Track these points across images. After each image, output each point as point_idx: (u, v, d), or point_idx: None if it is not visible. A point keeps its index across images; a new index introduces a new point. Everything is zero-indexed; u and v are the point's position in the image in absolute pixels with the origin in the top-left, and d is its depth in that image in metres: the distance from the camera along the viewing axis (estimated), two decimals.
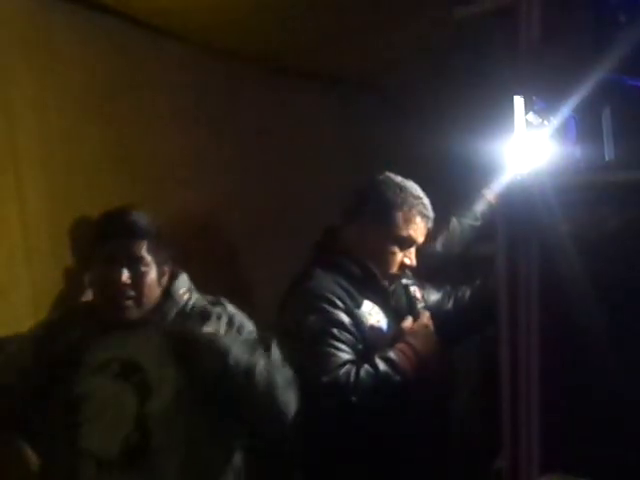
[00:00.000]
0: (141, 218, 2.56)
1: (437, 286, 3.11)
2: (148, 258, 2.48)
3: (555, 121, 2.72)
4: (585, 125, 2.81)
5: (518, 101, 2.70)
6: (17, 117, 4.05)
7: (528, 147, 2.69)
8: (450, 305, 3.07)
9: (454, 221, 3.21)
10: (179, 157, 4.84)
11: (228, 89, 5.15)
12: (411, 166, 3.09)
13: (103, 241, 2.54)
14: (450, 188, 3.26)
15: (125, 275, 2.43)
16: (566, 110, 2.75)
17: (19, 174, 4.02)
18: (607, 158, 2.81)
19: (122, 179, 4.49)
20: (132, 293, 2.44)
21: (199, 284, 4.69)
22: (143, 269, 2.47)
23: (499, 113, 2.81)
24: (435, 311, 2.98)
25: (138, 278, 2.45)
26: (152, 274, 2.48)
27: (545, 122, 2.72)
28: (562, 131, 2.73)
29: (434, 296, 3.08)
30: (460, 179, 3.31)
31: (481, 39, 3.58)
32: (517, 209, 2.55)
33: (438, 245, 3.08)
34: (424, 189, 2.94)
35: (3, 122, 3.96)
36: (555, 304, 2.46)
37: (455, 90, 3.59)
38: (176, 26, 4.63)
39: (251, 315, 4.50)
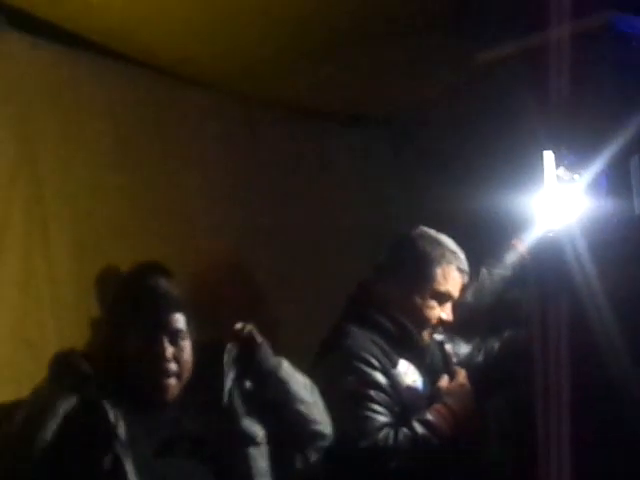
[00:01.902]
0: (174, 287, 2.46)
1: (466, 338, 3.10)
2: (186, 330, 2.38)
3: (586, 175, 2.72)
4: (615, 177, 2.82)
5: (548, 156, 2.70)
6: (43, 169, 4.07)
7: (559, 201, 2.69)
8: (481, 358, 3.05)
9: (484, 271, 3.20)
10: (205, 204, 4.87)
11: (250, 134, 5.19)
12: (438, 216, 3.11)
13: (138, 311, 2.37)
14: (479, 239, 3.25)
15: (169, 351, 2.30)
16: (597, 163, 2.76)
17: (46, 226, 4.05)
18: (637, 210, 2.84)
19: (149, 229, 4.53)
20: (175, 369, 2.30)
21: (230, 325, 4.74)
22: (183, 343, 2.35)
23: (528, 166, 2.82)
24: (466, 365, 2.96)
25: (180, 353, 2.32)
26: (189, 347, 2.37)
27: (575, 176, 2.72)
28: (593, 185, 2.74)
29: (464, 349, 3.07)
30: (489, 230, 3.30)
31: (506, 86, 3.60)
32: (549, 264, 2.56)
33: (468, 296, 3.07)
34: (451, 237, 2.94)
35: (30, 174, 3.99)
36: (585, 359, 2.46)
37: (482, 138, 3.58)
38: (199, 74, 4.68)
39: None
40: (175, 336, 2.33)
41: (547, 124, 2.93)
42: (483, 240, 3.28)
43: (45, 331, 3.93)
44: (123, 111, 4.50)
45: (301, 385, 2.51)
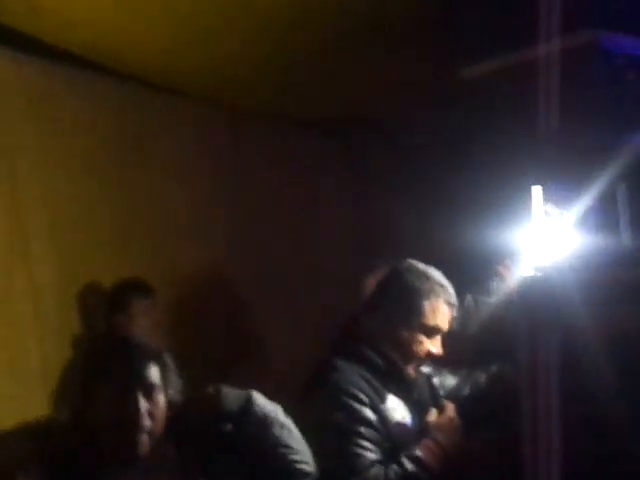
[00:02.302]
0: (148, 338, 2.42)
1: (453, 370, 3.11)
2: (160, 384, 2.25)
3: (574, 210, 2.73)
4: (603, 212, 2.83)
5: (536, 190, 2.70)
6: (23, 184, 4.07)
7: (547, 237, 2.70)
8: (467, 391, 3.06)
9: (469, 298, 3.21)
10: (188, 215, 4.87)
11: (234, 143, 5.19)
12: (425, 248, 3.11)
13: (108, 363, 2.25)
14: (466, 273, 3.25)
15: (144, 407, 2.17)
16: (585, 197, 2.76)
17: (26, 243, 4.03)
18: (625, 241, 2.85)
19: (131, 241, 4.52)
20: (148, 426, 2.18)
21: (216, 338, 4.75)
22: (158, 399, 2.22)
23: (516, 200, 2.82)
24: (453, 397, 2.97)
25: (154, 409, 2.20)
26: (164, 402, 2.25)
27: (564, 212, 2.73)
28: (581, 220, 2.75)
29: (450, 381, 3.08)
30: (476, 265, 3.31)
31: (492, 104, 3.59)
32: (538, 302, 2.55)
33: (455, 324, 3.07)
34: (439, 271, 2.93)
35: (8, 189, 3.97)
36: (575, 397, 2.47)
37: (468, 170, 3.58)
38: (181, 84, 4.66)
39: (268, 371, 4.54)
40: (149, 390, 2.21)
41: (535, 158, 2.94)
42: (470, 274, 3.28)
43: (27, 349, 3.92)
44: (103, 122, 4.49)
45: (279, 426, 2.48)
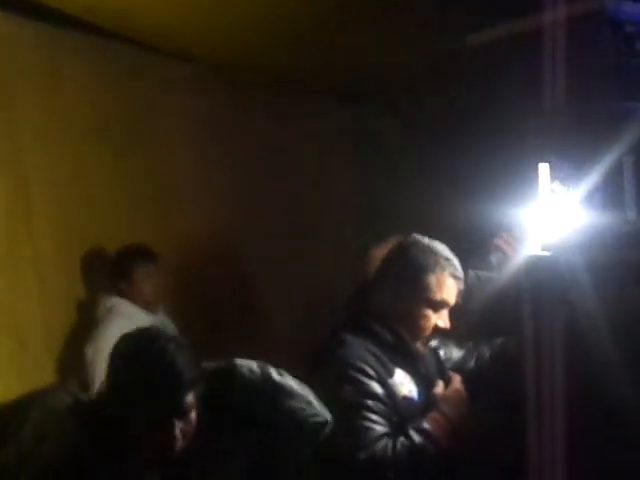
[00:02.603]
0: (187, 358, 2.29)
1: (458, 342, 3.14)
2: (194, 403, 2.29)
3: (581, 188, 2.74)
4: (610, 189, 2.84)
5: (543, 168, 2.70)
6: (25, 150, 4.06)
7: (553, 214, 2.70)
8: (472, 363, 3.10)
9: (471, 274, 3.23)
10: (189, 180, 4.88)
11: (236, 108, 5.16)
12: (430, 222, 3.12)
13: (149, 392, 2.23)
14: (465, 241, 3.25)
15: (178, 430, 2.24)
16: (592, 175, 2.77)
17: (29, 208, 4.03)
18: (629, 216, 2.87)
19: (132, 206, 4.53)
20: (181, 442, 2.26)
21: (216, 305, 4.78)
22: (192, 416, 2.29)
23: (523, 177, 2.83)
24: (459, 370, 3.00)
25: (187, 427, 2.27)
26: (195, 415, 2.30)
27: (570, 189, 2.74)
28: (587, 198, 2.76)
29: (456, 353, 3.11)
30: (482, 243, 3.32)
31: (496, 74, 3.57)
32: (544, 281, 2.57)
33: (459, 299, 3.09)
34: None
35: (11, 155, 3.96)
36: (580, 380, 2.49)
37: (474, 148, 3.57)
38: (183, 48, 4.63)
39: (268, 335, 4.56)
40: (184, 413, 2.26)
41: (542, 135, 2.94)
42: (472, 249, 3.29)
43: (32, 319, 3.94)
44: (105, 84, 4.47)
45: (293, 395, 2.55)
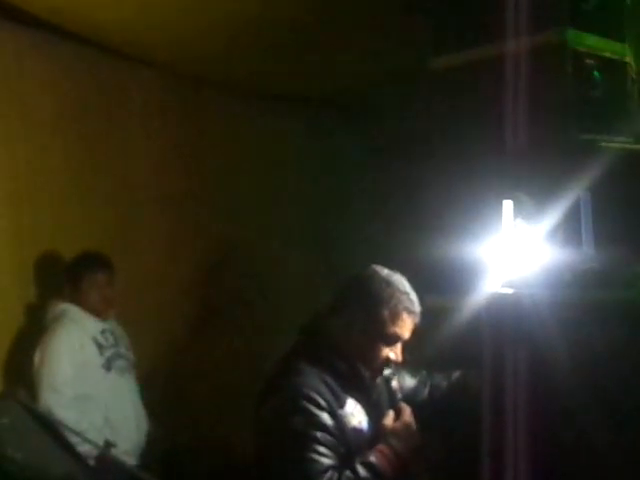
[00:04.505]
0: None
1: (412, 371, 3.12)
2: None
3: (543, 225, 2.74)
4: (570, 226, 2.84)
5: (507, 205, 2.69)
6: None
7: (516, 251, 2.70)
8: (426, 394, 3.08)
9: (433, 306, 3.20)
10: (149, 183, 4.82)
11: (195, 112, 5.12)
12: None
13: None
14: (427, 274, 3.23)
15: None
16: (554, 211, 2.77)
17: None
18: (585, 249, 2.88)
19: (89, 209, 4.45)
20: None
21: (174, 305, 4.73)
22: None
23: (486, 214, 2.82)
24: (411, 399, 2.99)
25: None
26: None
27: (533, 226, 2.73)
28: (550, 235, 2.76)
29: (409, 382, 3.09)
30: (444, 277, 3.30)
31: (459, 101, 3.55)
32: (506, 319, 2.56)
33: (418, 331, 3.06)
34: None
35: None
36: (542, 415, 2.50)
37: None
38: (147, 55, 4.57)
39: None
40: None
41: (504, 171, 2.93)
42: (435, 283, 3.27)
43: None
44: (67, 86, 4.39)
45: None
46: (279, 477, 2.61)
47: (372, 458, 2.67)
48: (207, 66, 4.74)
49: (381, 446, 2.71)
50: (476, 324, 2.70)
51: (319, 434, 2.61)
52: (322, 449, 2.60)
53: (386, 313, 2.76)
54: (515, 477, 2.50)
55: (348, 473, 2.61)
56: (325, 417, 2.65)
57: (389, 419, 2.81)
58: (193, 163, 5.12)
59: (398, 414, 2.84)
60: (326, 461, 2.60)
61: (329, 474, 2.58)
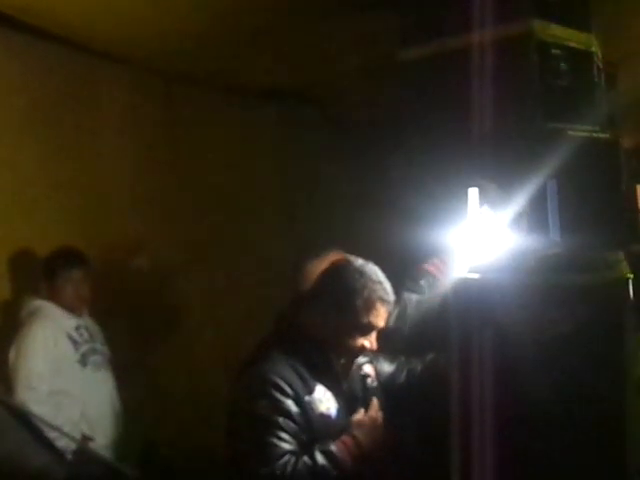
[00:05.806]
0: None
1: (390, 357, 3.15)
2: None
3: (508, 211, 2.78)
4: (534, 211, 2.88)
5: (473, 192, 2.72)
6: None
7: (481, 238, 2.73)
8: (403, 378, 3.12)
9: (405, 295, 3.25)
10: (120, 178, 4.81)
11: (168, 108, 5.12)
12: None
13: None
14: (396, 262, 3.27)
15: None
16: (519, 198, 2.81)
17: None
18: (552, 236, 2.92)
19: (61, 206, 4.45)
20: None
21: (137, 308, 4.73)
22: None
23: (452, 200, 2.85)
24: (390, 384, 3.04)
25: None
26: None
27: (498, 213, 2.77)
28: (515, 221, 2.80)
29: (388, 367, 3.12)
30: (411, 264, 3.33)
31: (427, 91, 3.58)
32: (472, 303, 2.58)
33: (392, 319, 3.10)
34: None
35: None
36: (508, 397, 2.52)
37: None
38: (117, 52, 4.57)
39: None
40: None
41: (470, 159, 2.96)
42: (404, 271, 3.31)
43: None
44: (38, 85, 4.39)
45: None
46: (241, 458, 2.67)
47: (332, 447, 2.70)
48: (177, 61, 4.74)
49: (345, 437, 2.75)
50: (445, 310, 2.72)
51: (281, 419, 2.65)
52: (283, 434, 2.64)
53: (360, 303, 2.79)
54: (482, 462, 2.52)
55: (306, 459, 2.65)
56: (289, 403, 2.68)
57: (359, 415, 2.84)
58: (166, 158, 5.10)
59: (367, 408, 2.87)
60: (286, 446, 2.64)
61: (285, 459, 2.62)
